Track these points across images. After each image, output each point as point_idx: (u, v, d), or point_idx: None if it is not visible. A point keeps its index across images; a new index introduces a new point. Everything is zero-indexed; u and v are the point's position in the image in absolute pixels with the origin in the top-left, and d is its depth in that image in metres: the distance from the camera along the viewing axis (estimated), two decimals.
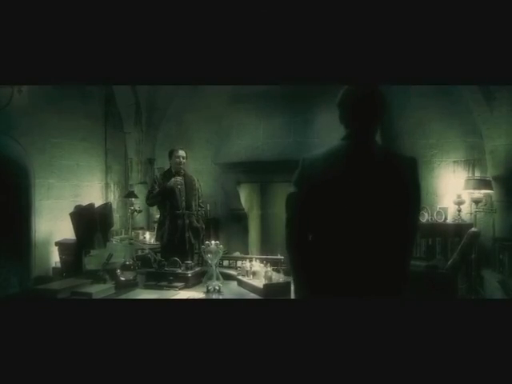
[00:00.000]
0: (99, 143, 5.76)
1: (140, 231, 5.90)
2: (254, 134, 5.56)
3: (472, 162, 5.23)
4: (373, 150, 1.65)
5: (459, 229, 4.92)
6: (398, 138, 5.44)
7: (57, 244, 4.65)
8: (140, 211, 5.51)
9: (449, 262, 3.86)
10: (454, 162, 5.31)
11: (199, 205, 4.54)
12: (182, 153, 4.43)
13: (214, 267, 2.47)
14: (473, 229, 3.87)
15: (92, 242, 4.28)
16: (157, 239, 4.40)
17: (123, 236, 5.50)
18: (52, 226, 4.91)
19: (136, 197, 5.58)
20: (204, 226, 4.61)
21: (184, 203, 4.33)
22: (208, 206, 6.12)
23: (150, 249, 5.00)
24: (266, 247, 6.43)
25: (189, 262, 2.72)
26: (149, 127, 6.34)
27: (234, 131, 5.67)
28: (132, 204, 5.67)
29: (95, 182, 5.72)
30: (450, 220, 5.16)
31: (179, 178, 4.22)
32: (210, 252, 2.47)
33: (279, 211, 6.30)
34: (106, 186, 5.94)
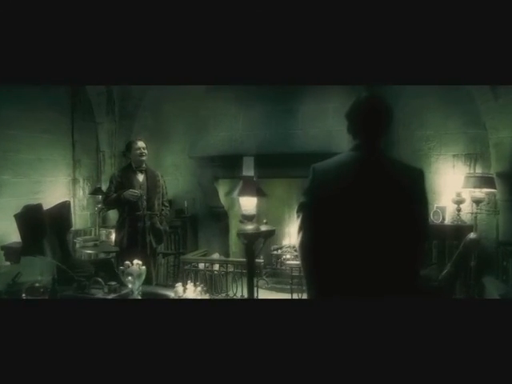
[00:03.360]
0: (65, 135, 5.28)
1: (112, 230, 5.45)
2: (233, 125, 5.06)
3: (474, 156, 4.69)
4: (381, 161, 1.72)
5: (458, 231, 4.40)
6: (392, 129, 4.91)
7: (3, 248, 4.21)
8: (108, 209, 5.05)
9: (443, 273, 3.35)
10: (454, 155, 4.76)
11: (163, 204, 4.07)
12: (141, 144, 3.96)
13: (135, 293, 1.99)
14: (471, 235, 3.35)
15: (40, 248, 3.83)
16: (116, 243, 3.94)
17: (88, 237, 5.04)
18: (6, 227, 4.44)
19: (103, 194, 5.11)
20: (168, 228, 4.15)
21: (145, 203, 3.86)
22: (186, 202, 5.67)
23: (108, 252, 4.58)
24: None
25: (112, 283, 2.25)
26: (123, 117, 5.84)
27: (211, 122, 5.17)
28: (99, 201, 5.21)
29: (61, 178, 5.26)
30: (448, 221, 4.64)
31: (135, 192, 3.75)
32: (131, 274, 1.99)
33: (261, 208, 5.83)
34: (74, 181, 5.47)
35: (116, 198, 3.81)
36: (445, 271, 3.37)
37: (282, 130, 4.85)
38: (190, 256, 5.09)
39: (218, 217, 5.55)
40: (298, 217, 1.76)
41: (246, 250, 1.99)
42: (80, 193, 5.54)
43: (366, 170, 1.68)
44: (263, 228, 2.03)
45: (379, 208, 1.62)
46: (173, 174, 5.89)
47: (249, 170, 1.94)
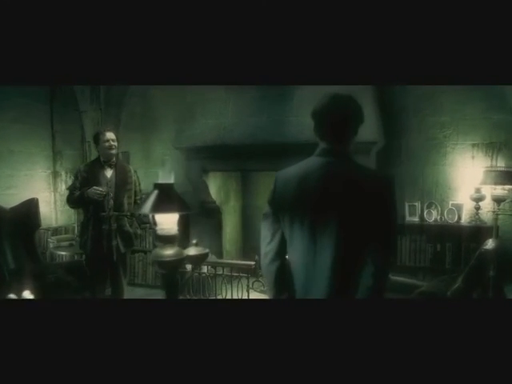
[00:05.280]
0: (41, 125, 4.86)
1: None
2: (222, 112, 4.54)
3: (497, 146, 4.06)
4: (348, 168, 1.60)
5: (477, 232, 3.85)
6: (401, 114, 4.32)
7: None
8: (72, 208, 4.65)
9: (452, 288, 2.79)
10: (473, 145, 4.14)
11: (136, 202, 3.60)
12: (111, 135, 3.49)
13: None
14: (487, 245, 2.76)
15: None
16: (80, 247, 3.52)
17: (63, 236, 4.65)
18: None
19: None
20: (139, 231, 3.68)
21: (112, 202, 3.41)
22: None
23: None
24: (246, 245, 5.50)
25: None
26: (109, 105, 5.40)
27: (198, 108, 4.66)
28: None
29: (38, 171, 4.86)
30: (465, 220, 4.04)
31: (100, 189, 3.30)
32: None
33: (261, 203, 5.34)
34: (55, 174, 5.07)
35: (79, 196, 3.37)
36: (455, 286, 2.81)
37: (275, 116, 4.31)
38: None
39: (210, 213, 5.07)
40: (262, 227, 1.73)
41: (165, 283, 1.49)
42: (62, 187, 5.14)
43: (330, 178, 1.55)
44: (191, 252, 1.52)
45: (343, 218, 1.52)
46: (162, 166, 5.44)
47: (167, 176, 1.43)
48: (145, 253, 5.23)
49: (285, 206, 1.62)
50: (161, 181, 1.44)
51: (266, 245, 1.69)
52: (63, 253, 4.19)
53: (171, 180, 1.45)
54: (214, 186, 4.99)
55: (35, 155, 4.80)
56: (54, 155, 5.02)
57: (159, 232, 1.45)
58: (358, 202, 1.50)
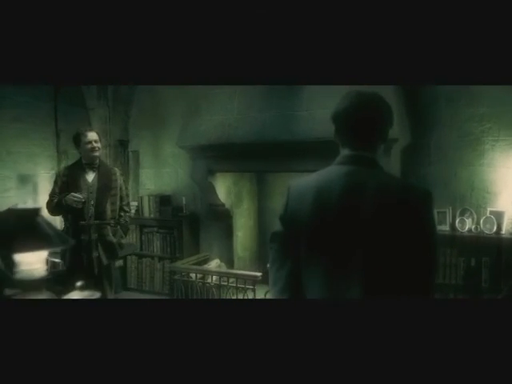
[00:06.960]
0: (44, 123, 4.65)
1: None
2: (227, 107, 4.12)
3: None
4: (376, 179, 1.34)
5: None
6: (433, 105, 3.73)
7: None
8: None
9: None
10: None
11: (122, 209, 3.28)
12: (93, 136, 3.19)
13: None
14: None
15: None
16: (60, 258, 3.24)
17: None
18: None
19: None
20: (123, 240, 3.34)
21: (93, 209, 3.10)
22: (184, 199, 4.88)
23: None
24: (263, 250, 5.06)
25: None
26: (117, 102, 5.15)
27: (202, 104, 4.26)
28: None
29: (40, 172, 4.64)
30: (506, 231, 3.41)
31: (78, 196, 3.01)
32: None
33: (278, 205, 4.91)
34: None
35: (57, 202, 3.10)
36: None
37: (284, 111, 3.84)
38: (179, 264, 4.32)
39: (219, 216, 4.68)
40: (270, 248, 1.52)
41: None
42: None
43: (355, 190, 1.33)
44: (74, 297, 1.12)
45: (372, 240, 1.28)
46: (172, 166, 5.13)
47: (28, 198, 1.03)
48: (152, 258, 4.96)
49: (300, 224, 1.39)
50: (20, 204, 1.04)
51: (276, 270, 1.49)
52: (57, 260, 3.94)
53: (37, 202, 1.04)
54: (223, 188, 4.59)
55: (37, 156, 4.61)
56: (58, 155, 4.80)
57: (18, 275, 1.06)
58: (390, 219, 1.28)
